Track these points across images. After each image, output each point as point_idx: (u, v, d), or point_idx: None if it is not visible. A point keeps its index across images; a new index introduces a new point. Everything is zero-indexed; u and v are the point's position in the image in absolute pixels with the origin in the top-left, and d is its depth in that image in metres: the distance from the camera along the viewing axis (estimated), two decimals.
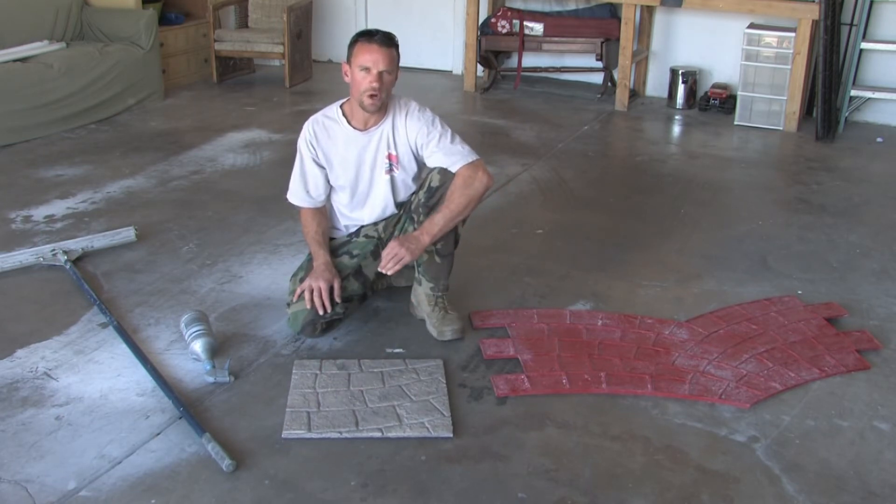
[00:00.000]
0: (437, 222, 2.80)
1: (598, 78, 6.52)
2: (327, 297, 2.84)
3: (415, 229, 2.89)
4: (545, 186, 4.53)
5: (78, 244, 3.57)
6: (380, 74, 2.77)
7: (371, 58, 2.77)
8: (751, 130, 5.63)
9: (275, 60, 7.00)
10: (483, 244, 3.72)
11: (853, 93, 5.56)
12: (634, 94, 6.31)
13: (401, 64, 2.87)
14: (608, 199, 4.40)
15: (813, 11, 5.33)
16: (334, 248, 3.05)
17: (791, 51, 5.45)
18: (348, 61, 2.85)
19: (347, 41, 2.88)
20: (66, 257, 3.44)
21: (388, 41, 2.80)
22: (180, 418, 2.48)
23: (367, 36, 2.80)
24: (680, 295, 3.32)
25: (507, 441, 2.43)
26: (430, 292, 2.99)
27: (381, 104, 2.85)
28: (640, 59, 6.30)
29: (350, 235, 3.11)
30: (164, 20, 6.41)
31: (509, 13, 6.24)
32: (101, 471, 2.28)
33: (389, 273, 2.80)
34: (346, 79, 2.87)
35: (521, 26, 6.18)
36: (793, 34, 5.43)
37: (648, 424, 2.52)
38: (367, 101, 2.82)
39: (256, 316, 3.11)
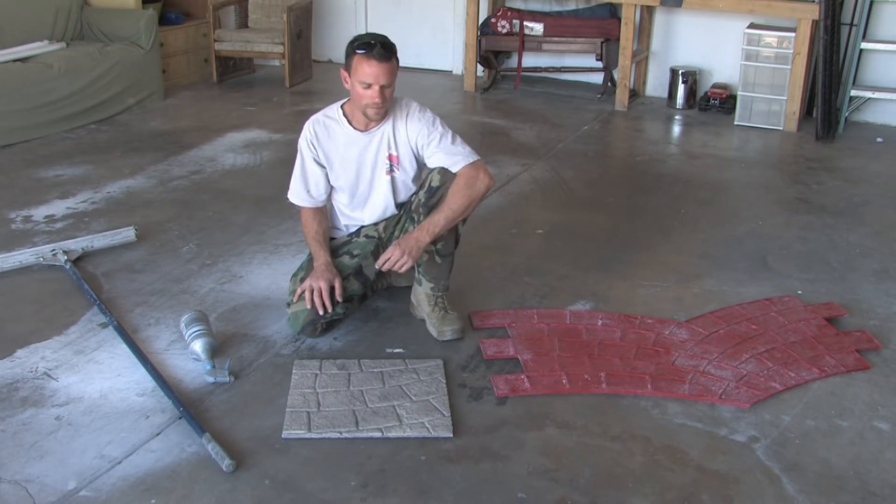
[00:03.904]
0: (438, 222, 2.80)
1: (598, 78, 6.52)
2: (328, 297, 2.84)
3: (415, 229, 2.89)
4: (545, 186, 4.53)
5: (78, 244, 3.57)
6: (381, 89, 2.77)
7: (371, 73, 2.74)
8: (751, 130, 5.63)
9: (275, 60, 7.00)
10: (483, 244, 3.72)
11: (853, 93, 5.56)
12: (634, 94, 6.31)
13: (401, 64, 2.86)
14: (608, 199, 4.40)
15: (813, 11, 5.33)
16: (335, 247, 3.05)
17: (791, 51, 5.44)
18: (347, 70, 2.83)
19: (347, 41, 2.85)
20: (66, 257, 3.44)
21: (387, 54, 2.75)
22: (180, 418, 2.48)
23: (366, 48, 2.74)
24: (680, 295, 3.32)
25: (507, 441, 2.43)
26: (430, 292, 2.99)
27: (385, 113, 2.86)
28: (640, 59, 6.30)
29: (350, 235, 3.11)
30: (164, 20, 6.40)
31: (509, 13, 6.24)
32: (101, 471, 2.28)
33: (386, 270, 2.81)
34: (346, 85, 2.86)
35: (521, 26, 6.18)
36: (793, 34, 5.43)
37: (648, 424, 2.52)
38: (371, 113, 2.83)
39: (256, 316, 3.11)
